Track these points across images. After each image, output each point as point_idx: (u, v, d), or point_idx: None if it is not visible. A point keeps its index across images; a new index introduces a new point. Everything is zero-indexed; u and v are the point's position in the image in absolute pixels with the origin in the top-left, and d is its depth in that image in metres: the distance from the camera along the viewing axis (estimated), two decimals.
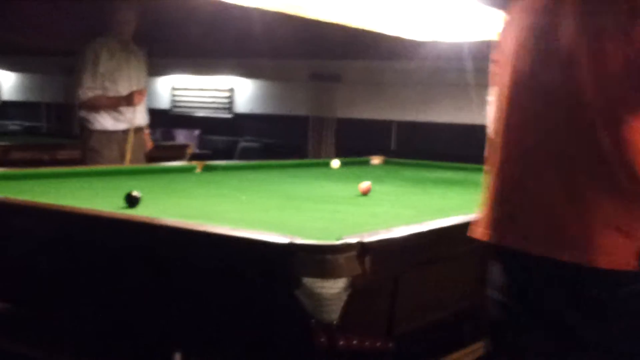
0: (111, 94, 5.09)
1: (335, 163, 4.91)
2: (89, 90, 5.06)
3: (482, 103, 6.72)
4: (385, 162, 5.46)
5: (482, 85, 6.93)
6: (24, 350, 2.45)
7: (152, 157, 5.50)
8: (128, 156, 5.08)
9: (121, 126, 5.14)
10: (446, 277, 2.38)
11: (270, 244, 1.88)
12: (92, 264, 2.22)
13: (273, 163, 4.85)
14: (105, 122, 5.11)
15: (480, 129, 7.85)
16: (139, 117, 5.22)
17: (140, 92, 5.14)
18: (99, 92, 5.07)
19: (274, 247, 1.87)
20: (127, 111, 5.14)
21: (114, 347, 2.24)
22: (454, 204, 3.34)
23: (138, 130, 5.23)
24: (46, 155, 5.83)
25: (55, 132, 10.71)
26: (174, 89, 10.71)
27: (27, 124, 11.50)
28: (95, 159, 5.03)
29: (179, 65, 10.43)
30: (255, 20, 5.72)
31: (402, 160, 5.46)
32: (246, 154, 9.46)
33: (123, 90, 5.14)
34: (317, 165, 5.23)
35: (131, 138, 5.13)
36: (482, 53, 6.97)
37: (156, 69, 10.32)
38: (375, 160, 5.51)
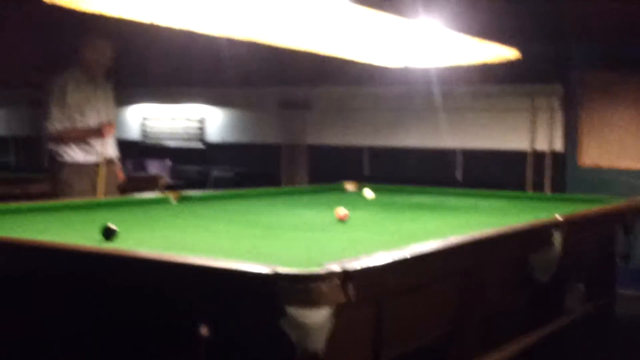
0: (79, 126, 5.06)
1: (369, 193, 4.85)
2: (57, 123, 5.02)
3: (451, 127, 6.75)
4: (359, 188, 5.46)
5: (450, 109, 6.98)
6: None
7: (125, 189, 5.46)
8: (100, 188, 5.04)
9: (91, 159, 5.10)
10: (428, 302, 2.39)
11: (253, 274, 1.87)
12: (72, 299, 2.19)
13: (248, 192, 4.83)
14: (76, 154, 5.07)
15: (449, 153, 7.87)
16: (109, 149, 5.18)
17: (110, 124, 5.12)
18: (67, 124, 5.03)
19: (257, 277, 1.86)
20: (96, 143, 5.10)
21: None
22: (429, 228, 3.36)
23: (109, 162, 5.20)
24: (17, 190, 5.75)
25: (24, 165, 10.59)
26: (144, 118, 10.66)
27: None
28: (67, 192, 4.98)
29: (148, 94, 10.38)
30: (224, 49, 5.73)
31: (375, 186, 5.47)
32: (219, 183, 9.42)
33: (92, 122, 5.10)
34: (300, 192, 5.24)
35: (103, 170, 5.09)
36: (449, 78, 7.06)
37: (126, 99, 10.29)
38: (349, 185, 5.52)
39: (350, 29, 4.07)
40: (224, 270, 1.94)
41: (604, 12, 5.30)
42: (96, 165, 5.10)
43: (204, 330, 1.94)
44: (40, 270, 2.26)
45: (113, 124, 5.19)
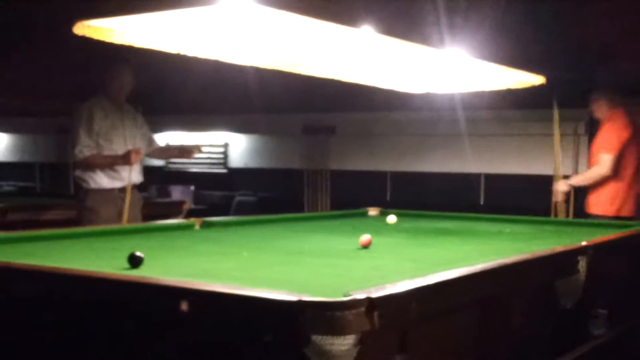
0: (106, 152, 5.12)
1: (392, 218, 4.86)
2: (85, 149, 5.08)
3: (475, 152, 6.75)
4: (382, 213, 5.47)
5: (474, 135, 6.96)
6: None
7: (149, 214, 5.50)
8: (126, 215, 5.09)
9: (117, 184, 5.16)
10: (453, 329, 2.39)
11: (278, 302, 1.88)
12: (101, 328, 2.21)
13: (272, 218, 4.84)
14: (102, 180, 5.13)
15: (474, 178, 7.83)
16: (134, 175, 5.24)
17: (137, 151, 5.18)
18: (94, 150, 5.10)
19: (282, 305, 1.87)
20: (123, 169, 5.17)
21: None
22: (453, 255, 3.36)
23: (133, 188, 5.25)
24: (43, 216, 5.81)
25: (49, 191, 10.70)
26: (167, 144, 10.76)
27: (21, 184, 11.50)
28: (92, 218, 5.03)
29: (173, 122, 10.49)
30: (249, 77, 5.78)
31: (398, 211, 5.47)
32: (242, 209, 9.47)
33: (118, 149, 5.17)
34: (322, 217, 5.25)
35: (129, 196, 5.14)
36: (472, 104, 7.06)
37: (150, 127, 10.37)
38: (372, 211, 5.52)
39: (375, 57, 4.11)
40: (250, 298, 1.96)
41: (629, 38, 5.30)
42: (121, 191, 5.15)
43: (183, 306, 1.97)
44: (66, 298, 2.28)
45: (140, 150, 5.25)
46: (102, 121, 5.14)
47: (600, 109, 5.91)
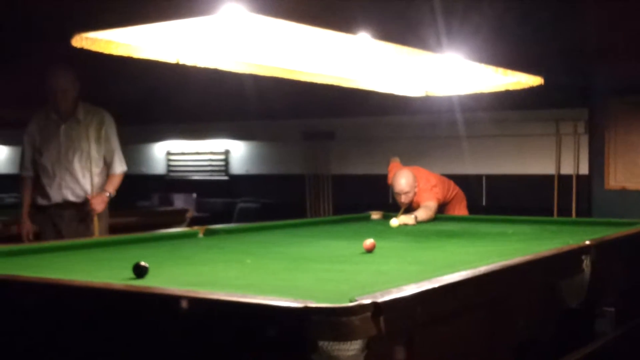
0: (39, 166, 4.95)
1: (395, 221, 4.85)
2: (24, 170, 5.00)
3: (475, 153, 6.77)
4: (384, 217, 5.48)
5: (474, 136, 6.98)
6: None
7: (152, 223, 5.47)
8: (96, 229, 4.87)
9: (48, 202, 4.97)
10: (458, 331, 2.39)
11: (284, 309, 1.89)
12: (108, 339, 2.22)
13: (275, 224, 4.84)
14: (36, 198, 5.01)
15: (473, 179, 7.87)
16: (68, 192, 4.94)
17: (27, 230, 4.97)
18: (30, 172, 4.98)
19: (288, 312, 1.88)
20: (51, 188, 4.94)
21: None
22: (457, 257, 3.36)
23: (82, 203, 4.94)
24: None
25: None
26: (169, 154, 10.76)
27: None
28: (37, 233, 4.92)
29: (173, 131, 10.50)
30: (248, 84, 5.80)
31: None
32: (245, 215, 9.47)
33: (48, 163, 4.91)
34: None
35: (96, 219, 4.91)
36: (470, 106, 7.07)
37: (151, 135, 10.41)
38: (375, 215, 5.53)
39: (372, 61, 4.11)
40: (256, 306, 1.96)
41: (626, 38, 5.31)
42: (57, 207, 4.94)
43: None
44: (72, 309, 2.29)
45: (96, 196, 4.90)
46: (38, 135, 4.91)
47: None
